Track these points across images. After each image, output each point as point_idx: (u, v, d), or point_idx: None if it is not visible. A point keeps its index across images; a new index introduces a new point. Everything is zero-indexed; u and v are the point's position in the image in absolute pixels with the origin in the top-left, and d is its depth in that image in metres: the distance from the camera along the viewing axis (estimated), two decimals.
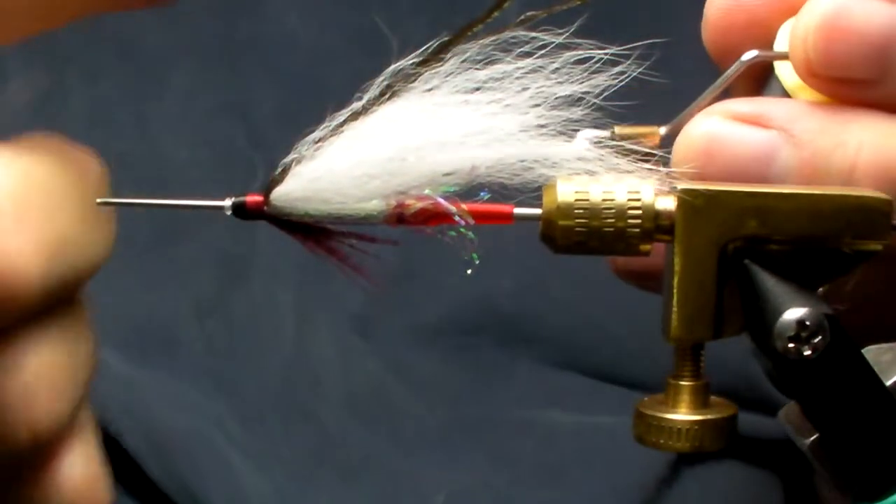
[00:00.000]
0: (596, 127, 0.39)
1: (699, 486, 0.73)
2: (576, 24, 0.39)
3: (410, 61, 0.39)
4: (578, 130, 0.39)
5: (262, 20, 0.76)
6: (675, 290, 0.39)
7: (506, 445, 0.73)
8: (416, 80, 0.38)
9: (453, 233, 0.39)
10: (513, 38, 0.39)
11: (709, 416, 0.39)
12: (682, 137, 0.41)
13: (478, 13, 0.38)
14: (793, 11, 0.42)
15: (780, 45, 0.43)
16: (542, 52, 0.39)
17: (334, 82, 0.75)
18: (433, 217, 0.39)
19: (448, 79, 0.39)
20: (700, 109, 0.42)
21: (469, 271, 0.39)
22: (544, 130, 0.39)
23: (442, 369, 0.74)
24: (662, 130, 0.44)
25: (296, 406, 0.72)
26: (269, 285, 0.74)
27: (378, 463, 0.71)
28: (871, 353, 0.38)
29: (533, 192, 0.39)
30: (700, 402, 0.40)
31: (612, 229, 0.39)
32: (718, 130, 0.40)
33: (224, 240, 0.74)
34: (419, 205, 0.38)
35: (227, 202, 0.39)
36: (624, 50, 0.39)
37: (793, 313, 0.37)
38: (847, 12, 0.39)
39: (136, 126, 0.73)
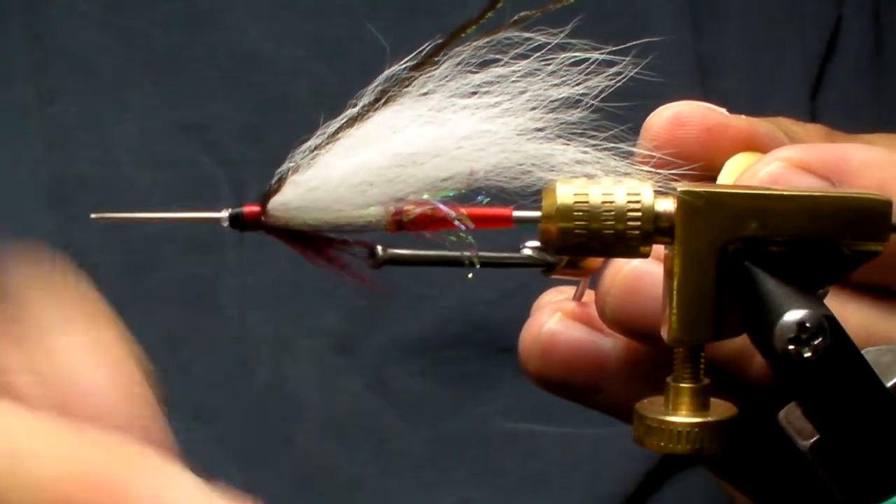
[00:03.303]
0: (593, 129, 0.39)
1: (680, 493, 0.74)
2: (570, 25, 0.38)
3: (404, 65, 0.38)
4: (576, 133, 0.39)
5: (219, 34, 0.74)
6: (674, 292, 0.39)
7: (490, 459, 0.74)
8: (410, 84, 0.38)
9: (453, 237, 0.39)
10: (507, 38, 0.38)
11: (709, 419, 0.39)
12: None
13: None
14: (725, 146, 0.44)
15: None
16: (538, 53, 0.38)
17: (296, 94, 0.74)
18: (432, 222, 0.38)
19: (443, 82, 0.38)
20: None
21: (469, 276, 0.39)
22: (542, 134, 0.39)
23: (425, 385, 0.74)
24: None
25: (277, 432, 0.72)
26: (242, 309, 0.73)
27: (362, 485, 0.72)
28: (871, 354, 0.38)
29: (531, 197, 0.39)
30: (700, 405, 0.39)
31: (611, 231, 0.38)
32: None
33: (191, 267, 0.73)
34: (418, 210, 0.38)
35: (224, 213, 0.38)
36: (618, 50, 0.39)
37: (793, 315, 0.37)
38: (785, 180, 0.41)
39: (95, 148, 0.71)
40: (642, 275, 0.41)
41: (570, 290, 0.47)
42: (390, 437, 0.73)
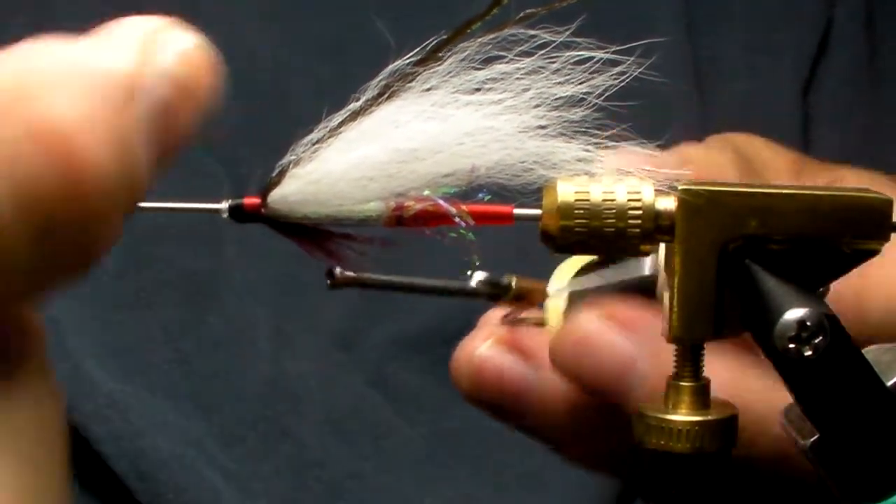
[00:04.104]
0: (594, 129, 0.39)
1: None
2: (575, 23, 0.38)
3: (408, 60, 0.38)
4: (579, 132, 0.39)
5: (219, 33, 0.74)
6: (675, 290, 0.39)
7: (489, 456, 0.74)
8: (413, 79, 0.38)
9: (453, 234, 0.39)
10: (511, 35, 0.38)
11: (709, 417, 0.39)
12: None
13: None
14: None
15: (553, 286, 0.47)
16: (542, 51, 0.38)
17: (296, 94, 0.75)
18: (433, 218, 0.38)
19: (447, 78, 0.38)
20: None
21: (469, 272, 0.39)
22: (544, 131, 0.39)
23: (424, 381, 0.75)
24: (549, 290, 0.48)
25: (276, 425, 0.73)
26: (243, 302, 0.74)
27: (361, 480, 0.72)
28: (871, 353, 0.38)
29: (533, 194, 0.39)
30: (700, 403, 0.39)
31: (612, 229, 0.38)
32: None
33: (189, 260, 0.73)
34: (418, 206, 0.38)
35: (224, 205, 0.38)
36: (620, 51, 0.39)
37: (793, 313, 0.37)
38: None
39: None
40: (595, 335, 0.43)
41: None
42: (389, 432, 0.73)
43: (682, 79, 0.79)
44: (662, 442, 0.39)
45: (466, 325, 0.76)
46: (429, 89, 0.38)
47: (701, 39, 0.81)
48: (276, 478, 0.70)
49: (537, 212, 0.39)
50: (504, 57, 0.38)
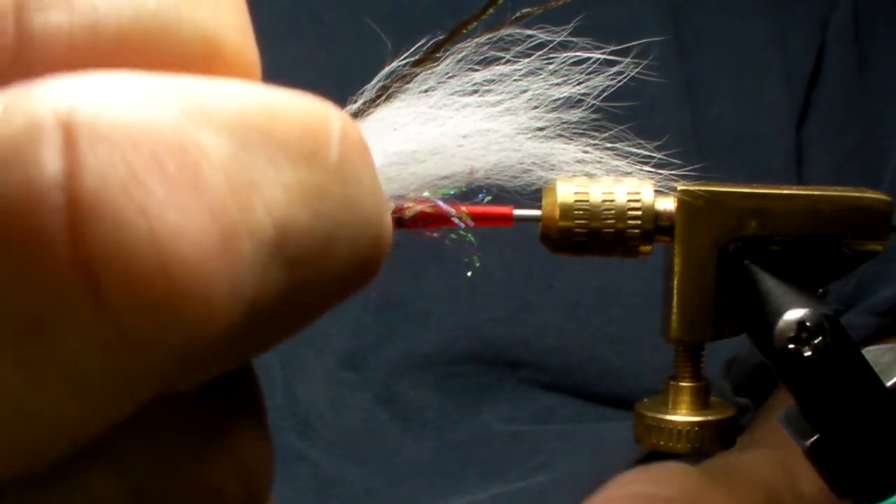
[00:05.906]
0: (594, 129, 0.39)
1: None
2: (572, 24, 0.38)
3: (405, 62, 0.38)
4: (577, 133, 0.39)
5: None
6: (675, 291, 0.39)
7: (495, 459, 0.74)
8: (411, 81, 0.38)
9: (453, 235, 0.38)
10: (508, 36, 0.38)
11: (709, 418, 0.39)
12: None
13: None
14: None
15: None
16: (540, 52, 0.38)
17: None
18: (432, 220, 0.38)
19: (444, 80, 0.38)
20: None
21: (469, 273, 0.39)
22: (542, 133, 0.38)
23: (431, 397, 0.76)
24: None
25: (290, 450, 0.73)
26: None
27: (376, 496, 0.73)
28: (871, 353, 0.38)
29: (532, 195, 0.39)
30: (700, 404, 0.40)
31: (611, 230, 0.38)
32: None
33: None
34: (418, 207, 0.38)
35: None
36: (620, 49, 0.39)
37: (793, 314, 0.37)
38: None
39: None
40: None
41: None
42: (399, 447, 0.74)
43: (673, 102, 0.80)
44: (662, 442, 0.39)
45: (471, 343, 0.77)
46: (426, 91, 0.38)
47: (688, 63, 0.82)
48: (298, 499, 0.72)
49: (537, 213, 0.39)
50: (502, 58, 0.38)
